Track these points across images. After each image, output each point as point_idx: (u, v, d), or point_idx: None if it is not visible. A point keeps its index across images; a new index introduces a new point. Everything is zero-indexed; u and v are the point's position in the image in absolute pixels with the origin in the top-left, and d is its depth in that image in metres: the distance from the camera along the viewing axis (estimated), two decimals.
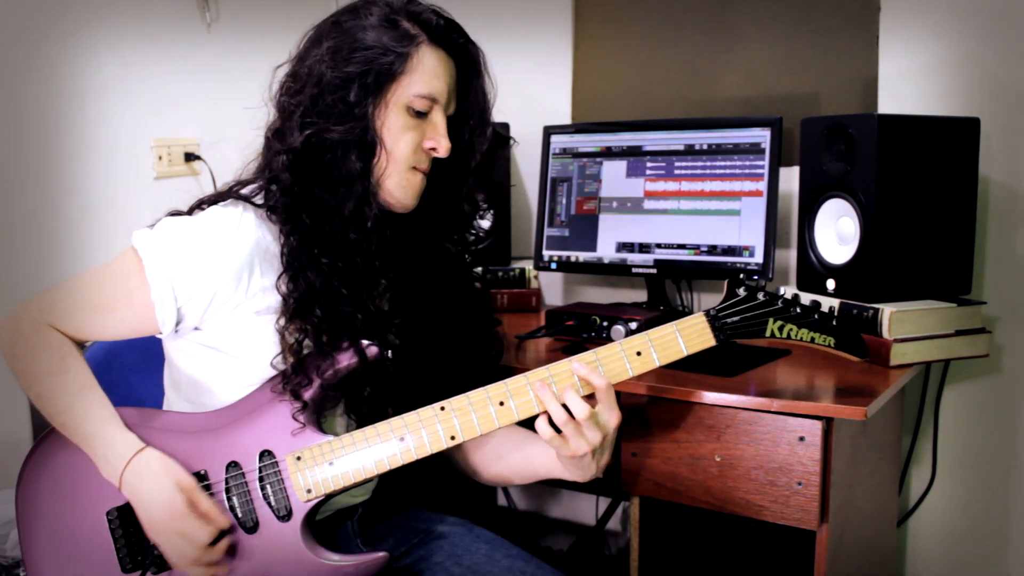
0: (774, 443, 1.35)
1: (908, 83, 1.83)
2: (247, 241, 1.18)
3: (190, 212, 1.24)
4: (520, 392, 1.19)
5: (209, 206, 1.22)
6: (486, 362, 1.36)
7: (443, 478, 1.43)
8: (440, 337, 1.33)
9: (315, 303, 1.18)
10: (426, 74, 1.21)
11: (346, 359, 1.21)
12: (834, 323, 1.24)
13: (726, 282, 1.24)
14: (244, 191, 1.23)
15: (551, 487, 2.34)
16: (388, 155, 1.21)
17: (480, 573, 1.29)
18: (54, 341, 1.19)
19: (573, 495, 2.32)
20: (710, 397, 1.38)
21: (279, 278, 1.19)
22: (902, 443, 1.86)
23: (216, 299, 1.18)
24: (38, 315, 1.20)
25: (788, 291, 1.25)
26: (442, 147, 1.23)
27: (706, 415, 1.40)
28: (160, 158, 2.11)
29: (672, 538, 1.63)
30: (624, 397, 1.46)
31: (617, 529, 2.23)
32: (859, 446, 1.49)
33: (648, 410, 1.44)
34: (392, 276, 1.30)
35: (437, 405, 1.20)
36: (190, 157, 2.17)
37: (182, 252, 1.17)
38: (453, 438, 1.19)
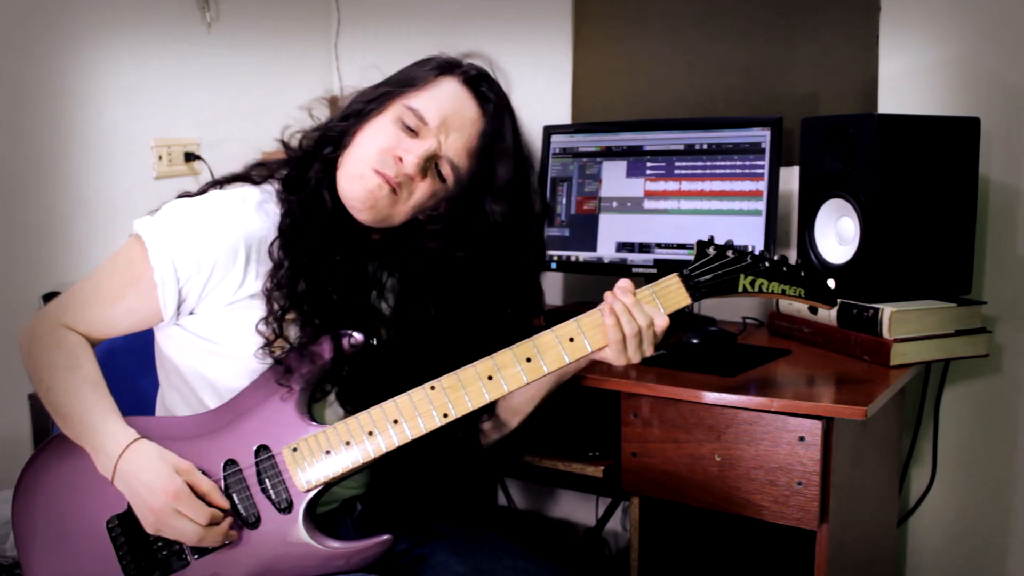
0: (774, 443, 1.35)
1: (908, 83, 1.83)
2: (245, 222, 1.22)
3: (198, 194, 1.28)
4: (507, 365, 1.20)
5: (215, 188, 1.27)
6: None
7: (441, 478, 1.42)
8: (442, 337, 1.31)
9: (300, 275, 1.21)
10: (427, 93, 1.24)
11: (329, 348, 1.23)
12: (802, 274, 1.27)
13: (696, 243, 1.26)
14: (257, 172, 1.29)
15: (551, 487, 2.34)
16: (352, 146, 1.24)
17: (484, 571, 1.29)
18: (68, 339, 1.23)
19: (573, 495, 2.32)
20: (710, 397, 1.39)
21: (272, 243, 1.21)
22: (902, 443, 1.86)
23: (215, 273, 1.20)
24: (53, 317, 1.25)
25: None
26: (408, 162, 1.21)
27: (706, 415, 1.40)
28: (160, 158, 2.11)
29: (672, 538, 1.63)
30: (624, 397, 1.46)
31: (617, 529, 2.23)
32: (859, 446, 1.49)
33: (648, 410, 1.44)
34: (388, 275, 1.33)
35: (427, 385, 1.21)
36: (190, 157, 2.17)
37: (182, 230, 1.20)
38: (446, 416, 1.20)
